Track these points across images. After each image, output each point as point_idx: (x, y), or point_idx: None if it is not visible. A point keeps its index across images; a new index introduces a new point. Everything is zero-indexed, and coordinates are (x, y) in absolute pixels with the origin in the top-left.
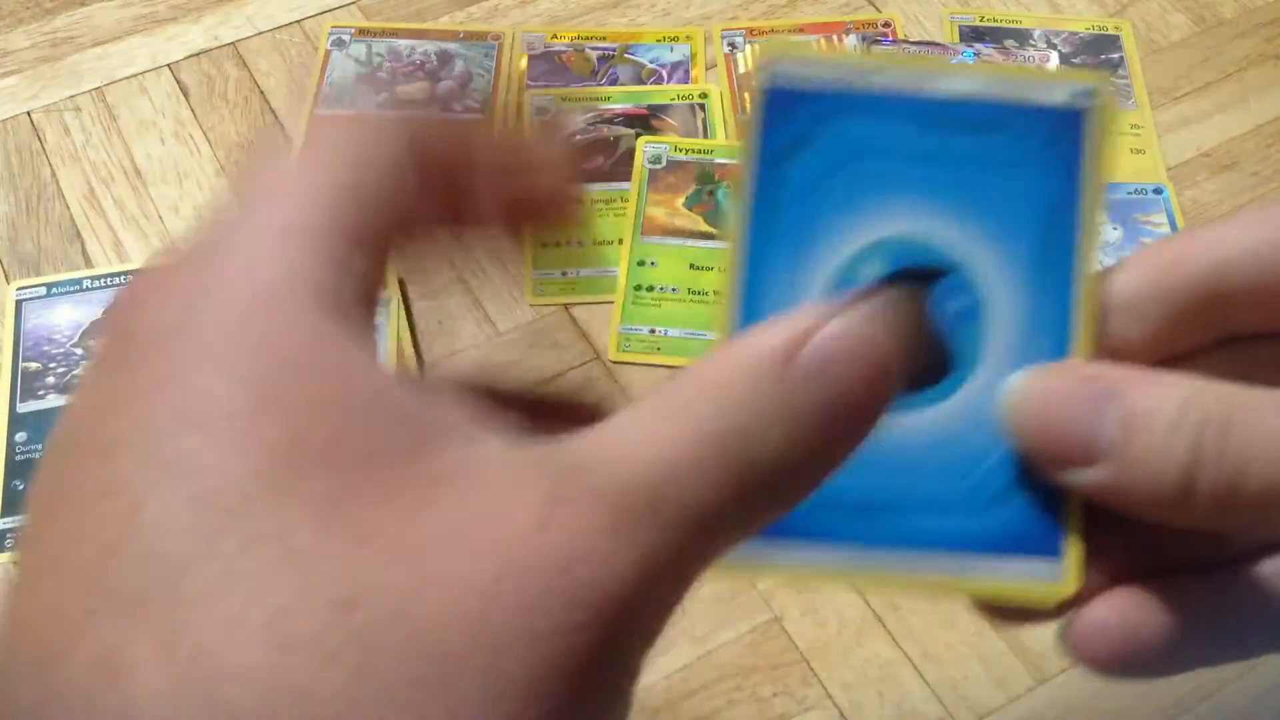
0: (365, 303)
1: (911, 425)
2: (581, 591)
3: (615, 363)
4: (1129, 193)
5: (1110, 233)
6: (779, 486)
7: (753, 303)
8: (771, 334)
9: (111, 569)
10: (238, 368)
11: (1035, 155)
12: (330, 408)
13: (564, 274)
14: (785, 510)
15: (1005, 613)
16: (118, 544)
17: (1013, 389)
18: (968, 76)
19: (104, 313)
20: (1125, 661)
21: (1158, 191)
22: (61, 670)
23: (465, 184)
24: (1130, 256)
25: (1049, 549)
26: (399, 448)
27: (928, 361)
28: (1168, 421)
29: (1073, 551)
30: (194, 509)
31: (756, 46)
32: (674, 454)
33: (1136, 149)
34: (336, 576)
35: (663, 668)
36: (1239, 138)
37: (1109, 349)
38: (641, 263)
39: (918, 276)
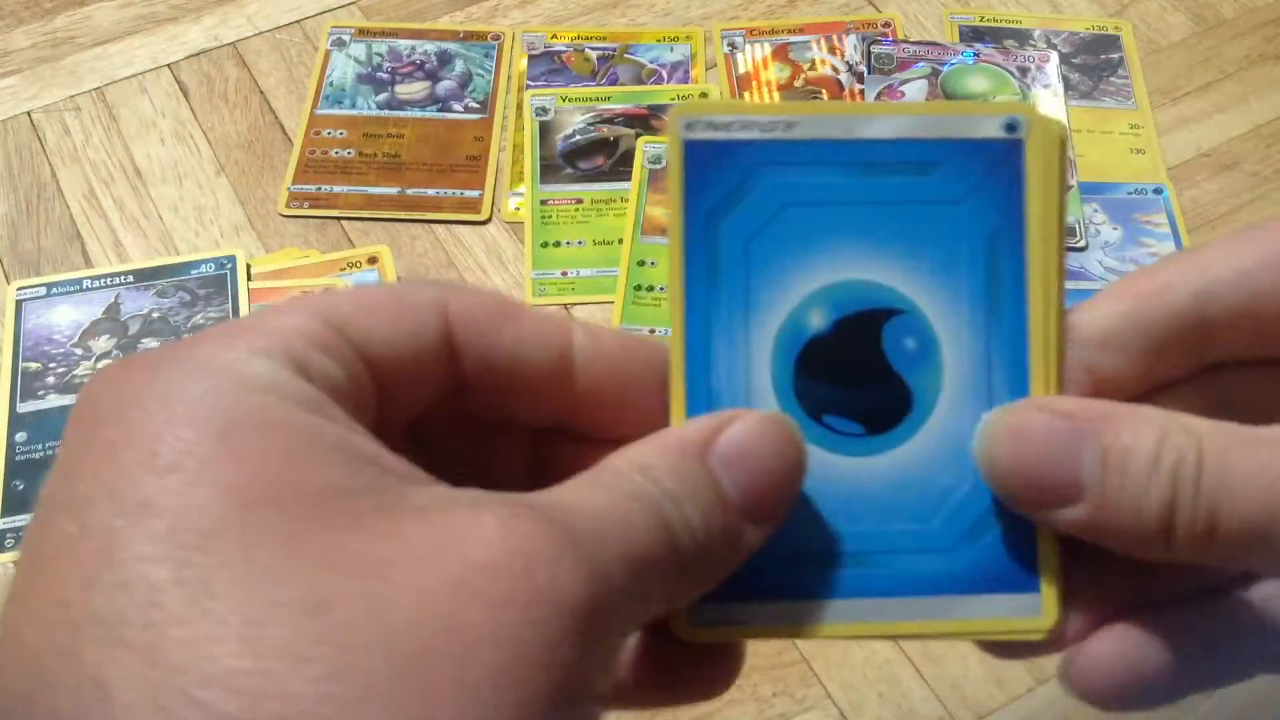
0: (345, 395)
1: (874, 470)
2: (542, 591)
3: None
4: (1129, 193)
5: (1110, 233)
6: (705, 555)
7: (700, 370)
8: (697, 424)
9: (91, 600)
10: (196, 422)
11: (971, 191)
12: (288, 455)
13: (564, 274)
14: (719, 573)
15: (995, 647)
16: (94, 578)
17: (986, 428)
18: (894, 118)
19: (79, 393)
20: (1129, 695)
21: (1158, 191)
22: (51, 696)
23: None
24: (1110, 287)
25: (1024, 584)
26: (361, 488)
27: (885, 403)
28: (1145, 460)
29: (1049, 584)
30: (161, 543)
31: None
32: (609, 508)
33: (1136, 149)
34: (306, 586)
35: None
36: (1239, 138)
37: (1092, 382)
38: (641, 263)
39: (866, 320)
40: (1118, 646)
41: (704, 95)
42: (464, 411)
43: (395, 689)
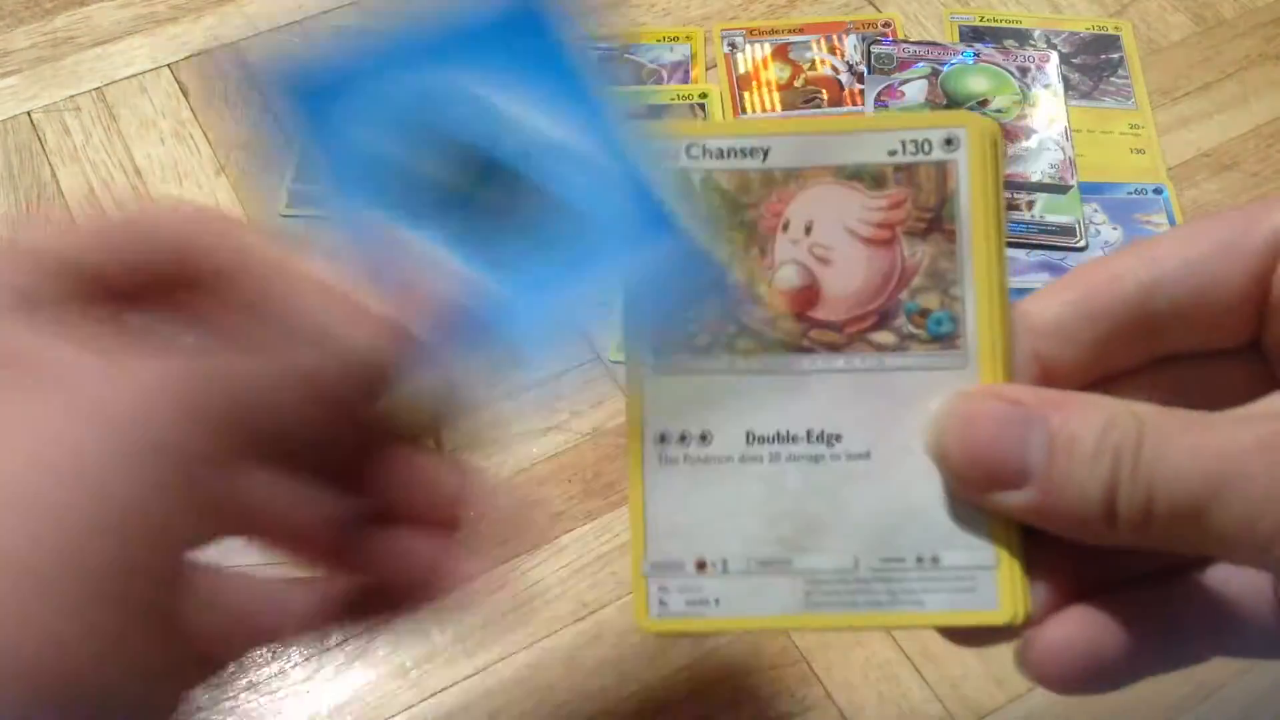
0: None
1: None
2: (131, 435)
3: (615, 362)
4: (1129, 193)
5: (1110, 233)
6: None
7: None
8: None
9: None
10: None
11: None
12: None
13: None
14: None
15: (963, 635)
16: None
17: (938, 413)
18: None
19: None
20: (1086, 679)
21: (1158, 191)
22: None
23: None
24: (1061, 278)
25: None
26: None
27: None
28: (1090, 446)
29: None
30: None
31: None
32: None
33: (1136, 149)
34: None
35: (662, 667)
36: (1239, 138)
37: (1041, 370)
38: None
39: None
40: (1076, 629)
41: (704, 95)
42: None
43: None
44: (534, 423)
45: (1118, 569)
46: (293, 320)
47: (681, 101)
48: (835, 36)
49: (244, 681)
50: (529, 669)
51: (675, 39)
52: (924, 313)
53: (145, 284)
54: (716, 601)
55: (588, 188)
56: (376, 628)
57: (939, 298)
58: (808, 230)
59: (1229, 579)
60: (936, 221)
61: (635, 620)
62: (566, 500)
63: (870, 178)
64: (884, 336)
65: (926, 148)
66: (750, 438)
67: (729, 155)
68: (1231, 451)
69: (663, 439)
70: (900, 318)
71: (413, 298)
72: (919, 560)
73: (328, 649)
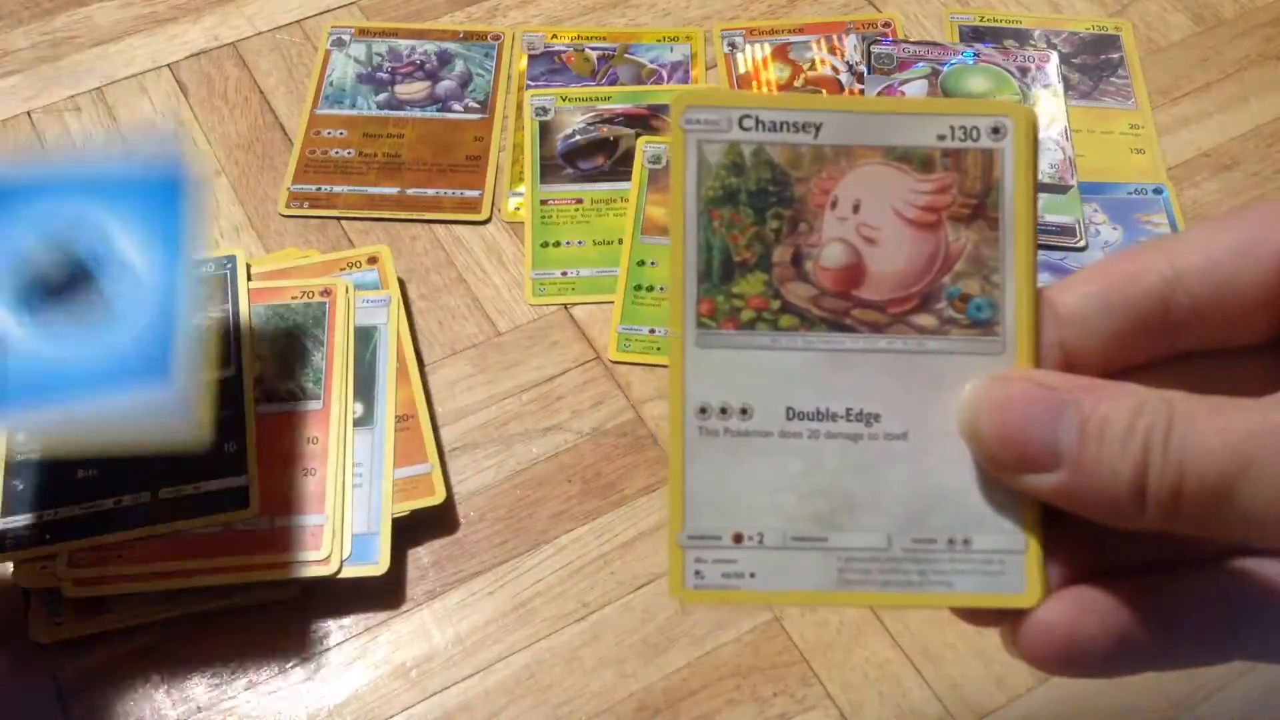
0: None
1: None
2: None
3: (615, 362)
4: (1129, 193)
5: (1110, 233)
6: None
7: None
8: None
9: None
10: None
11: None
12: None
13: (564, 274)
14: None
15: (977, 616)
16: None
17: (970, 395)
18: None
19: None
20: (1067, 660)
21: (1158, 191)
22: None
23: None
24: (1084, 269)
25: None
26: None
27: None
28: (1121, 428)
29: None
30: None
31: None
32: None
33: (1136, 149)
34: None
35: (662, 667)
36: (1239, 138)
37: (1064, 359)
38: (641, 263)
39: None
40: (1063, 610)
41: None
42: None
43: None
44: (534, 423)
45: (1132, 557)
46: None
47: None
48: (835, 36)
49: (244, 681)
50: (529, 669)
51: (675, 39)
52: (965, 298)
53: None
54: (751, 575)
55: (132, 305)
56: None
57: (980, 284)
58: (855, 209)
59: (1255, 571)
60: (981, 208)
61: (670, 590)
62: (566, 500)
63: (918, 160)
64: (925, 319)
65: (975, 134)
66: (790, 414)
67: (781, 129)
68: (1261, 430)
69: (703, 412)
70: (942, 301)
71: None
72: (950, 542)
73: (327, 649)
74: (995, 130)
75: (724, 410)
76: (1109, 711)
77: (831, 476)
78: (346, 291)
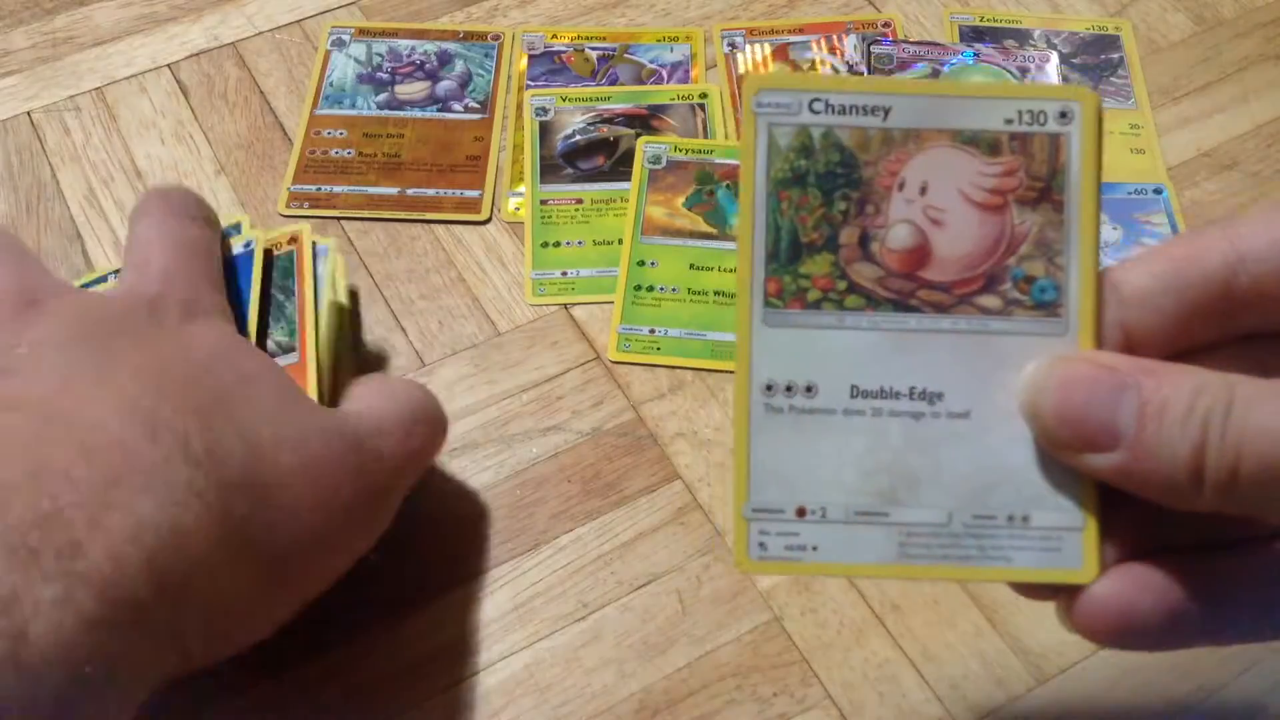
0: None
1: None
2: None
3: (615, 363)
4: (1129, 193)
5: (1110, 233)
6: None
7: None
8: None
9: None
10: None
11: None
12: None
13: (564, 274)
14: None
15: (1034, 590)
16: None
17: (1033, 375)
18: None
19: None
20: (1120, 634)
21: (1158, 191)
22: None
23: None
24: (1146, 250)
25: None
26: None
27: None
28: (1180, 411)
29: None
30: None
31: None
32: None
33: (1136, 149)
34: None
35: (662, 667)
36: (1239, 138)
37: (1124, 339)
38: (641, 263)
39: None
40: (1119, 585)
41: (704, 95)
42: None
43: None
44: (534, 423)
45: (1185, 536)
46: None
47: (682, 101)
48: (835, 36)
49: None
50: (529, 669)
51: (675, 39)
52: (1029, 280)
53: None
54: (815, 548)
55: None
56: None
57: (1044, 266)
58: (923, 191)
59: None
60: (1047, 192)
61: (735, 562)
62: (566, 500)
63: (986, 144)
64: (990, 300)
65: (1042, 119)
66: (855, 392)
67: (851, 112)
68: None
69: (769, 389)
70: (1006, 283)
71: None
72: (1010, 519)
73: (327, 650)
74: (1063, 115)
75: (789, 388)
76: (1109, 711)
77: (894, 453)
78: (308, 237)
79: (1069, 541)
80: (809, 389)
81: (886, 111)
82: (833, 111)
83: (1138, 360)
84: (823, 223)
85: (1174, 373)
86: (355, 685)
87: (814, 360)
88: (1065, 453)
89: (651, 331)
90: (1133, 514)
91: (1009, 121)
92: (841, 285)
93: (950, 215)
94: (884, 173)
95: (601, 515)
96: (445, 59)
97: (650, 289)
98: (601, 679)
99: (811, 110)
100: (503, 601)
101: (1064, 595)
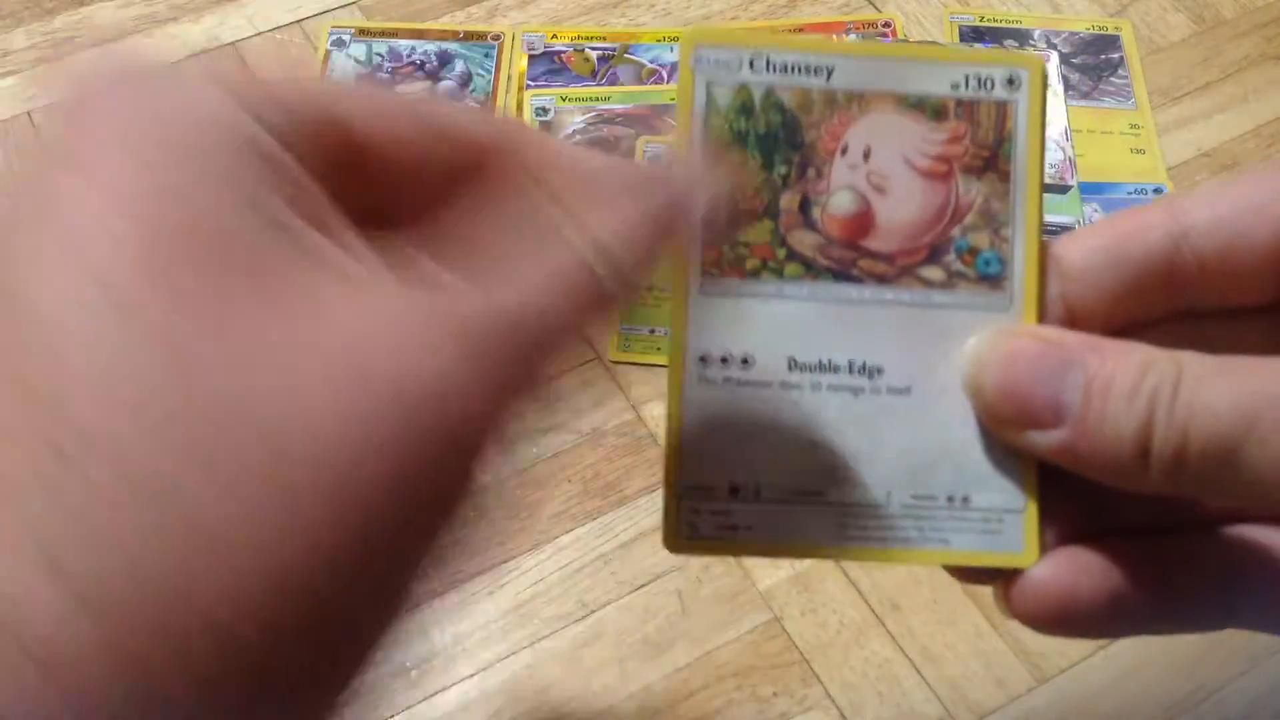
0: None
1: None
2: (424, 401)
3: (615, 362)
4: (1129, 193)
5: None
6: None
7: None
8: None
9: (4, 361)
10: (142, 156)
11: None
12: (225, 211)
13: None
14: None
15: (973, 575)
16: (11, 339)
17: (976, 349)
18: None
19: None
20: (1060, 619)
21: (1158, 191)
22: None
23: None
24: (1090, 225)
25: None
26: (282, 259)
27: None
28: (1126, 388)
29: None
30: (82, 300)
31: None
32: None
33: (1136, 149)
34: (202, 370)
35: (663, 667)
36: (1239, 138)
37: (1066, 313)
38: None
39: None
40: (1057, 569)
41: None
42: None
43: (255, 486)
44: (534, 423)
45: (1130, 519)
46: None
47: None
48: (835, 36)
49: None
50: (529, 669)
51: (675, 39)
52: (974, 251)
53: (409, 171)
54: (748, 528)
55: None
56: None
57: (989, 237)
58: (866, 156)
59: (1254, 539)
60: (993, 160)
61: (663, 541)
62: (566, 500)
63: (931, 109)
64: (933, 272)
65: (989, 85)
66: (792, 364)
67: (793, 71)
68: (1269, 389)
69: (703, 361)
70: (950, 254)
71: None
72: (950, 499)
73: None
74: (1010, 81)
75: (724, 359)
76: (1109, 711)
77: (832, 430)
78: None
79: (1009, 523)
80: (745, 361)
81: (830, 72)
82: (774, 70)
83: (1084, 336)
84: (763, 188)
85: (1121, 349)
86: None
87: (751, 331)
88: (1007, 430)
89: (651, 331)
90: (1077, 496)
91: (955, 86)
92: (781, 253)
93: (894, 182)
94: (826, 136)
95: (601, 515)
96: (445, 59)
97: (650, 289)
98: (601, 679)
99: (752, 68)
100: (503, 601)
101: (999, 580)
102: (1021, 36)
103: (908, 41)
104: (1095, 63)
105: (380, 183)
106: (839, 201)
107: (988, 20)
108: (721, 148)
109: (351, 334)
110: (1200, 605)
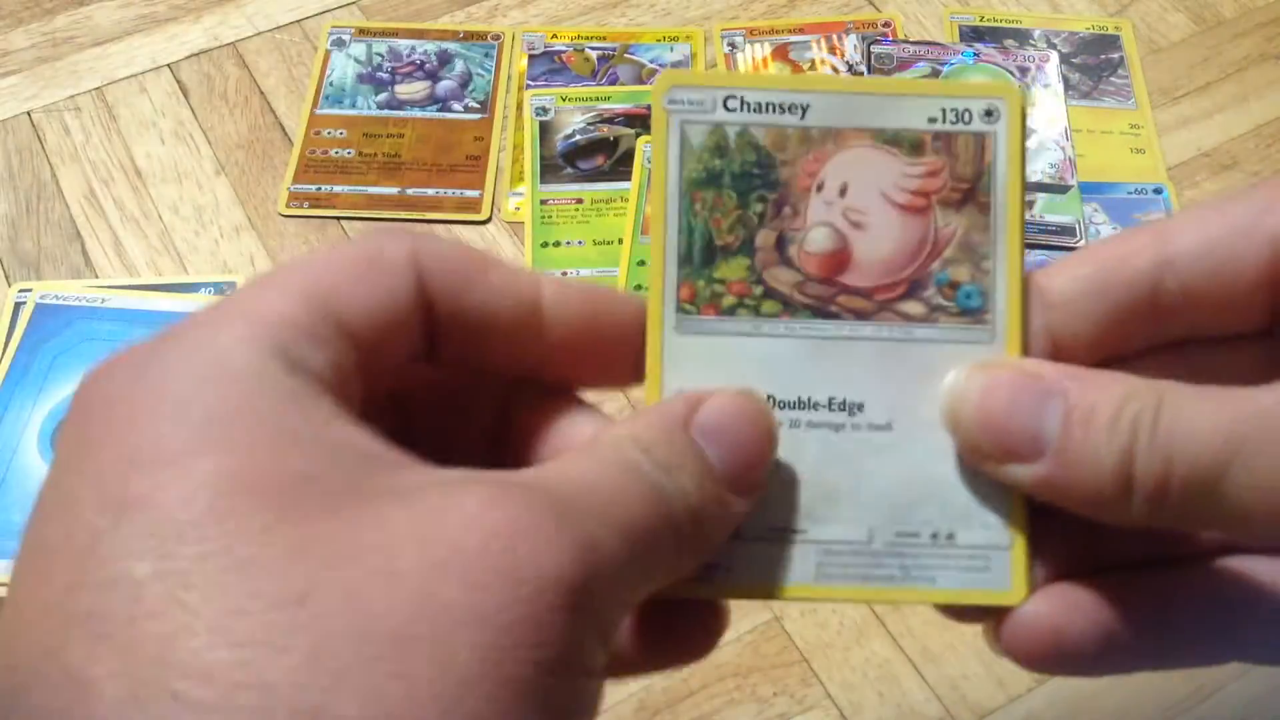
0: (329, 384)
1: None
2: (525, 568)
3: None
4: (1129, 193)
5: (1110, 233)
6: (698, 523)
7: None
8: (678, 400)
9: (76, 600)
10: (180, 418)
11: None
12: (269, 447)
13: (564, 274)
14: (712, 543)
15: (962, 613)
16: (79, 579)
17: (954, 382)
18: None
19: (73, 393)
20: (1051, 659)
21: (1158, 191)
22: (34, 695)
23: (477, 324)
24: (1074, 254)
25: (997, 558)
26: (341, 475)
27: None
28: (1107, 417)
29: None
30: (145, 539)
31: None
32: (602, 479)
33: (1136, 149)
34: (284, 577)
35: None
36: (1239, 138)
37: (1051, 345)
38: (642, 263)
39: None
40: (1047, 607)
41: None
42: (436, 372)
43: (371, 674)
44: None
45: (1121, 554)
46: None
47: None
48: (835, 36)
49: None
50: None
51: (675, 39)
52: (954, 285)
53: (387, 340)
54: (728, 569)
55: None
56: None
57: (970, 270)
58: (842, 193)
59: (1247, 572)
60: (972, 193)
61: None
62: None
63: (908, 144)
64: (913, 307)
65: (966, 117)
66: (771, 402)
67: (767, 110)
68: (1250, 413)
69: None
70: (930, 289)
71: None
72: (934, 536)
73: None
74: (988, 113)
75: None
76: (1109, 711)
77: (813, 467)
78: None
79: (996, 561)
80: None
81: (804, 109)
82: (748, 109)
83: (1063, 366)
84: (738, 225)
85: (1101, 379)
86: None
87: (728, 369)
88: (988, 463)
89: None
90: (1069, 531)
91: (932, 120)
92: (757, 291)
93: (871, 218)
94: (802, 173)
95: None
96: (445, 59)
97: None
98: None
99: (726, 108)
100: None
101: (992, 618)
102: (1021, 36)
103: (885, 77)
104: (1095, 63)
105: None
106: (815, 238)
107: (988, 20)
108: (696, 188)
109: (429, 518)
110: (1196, 640)
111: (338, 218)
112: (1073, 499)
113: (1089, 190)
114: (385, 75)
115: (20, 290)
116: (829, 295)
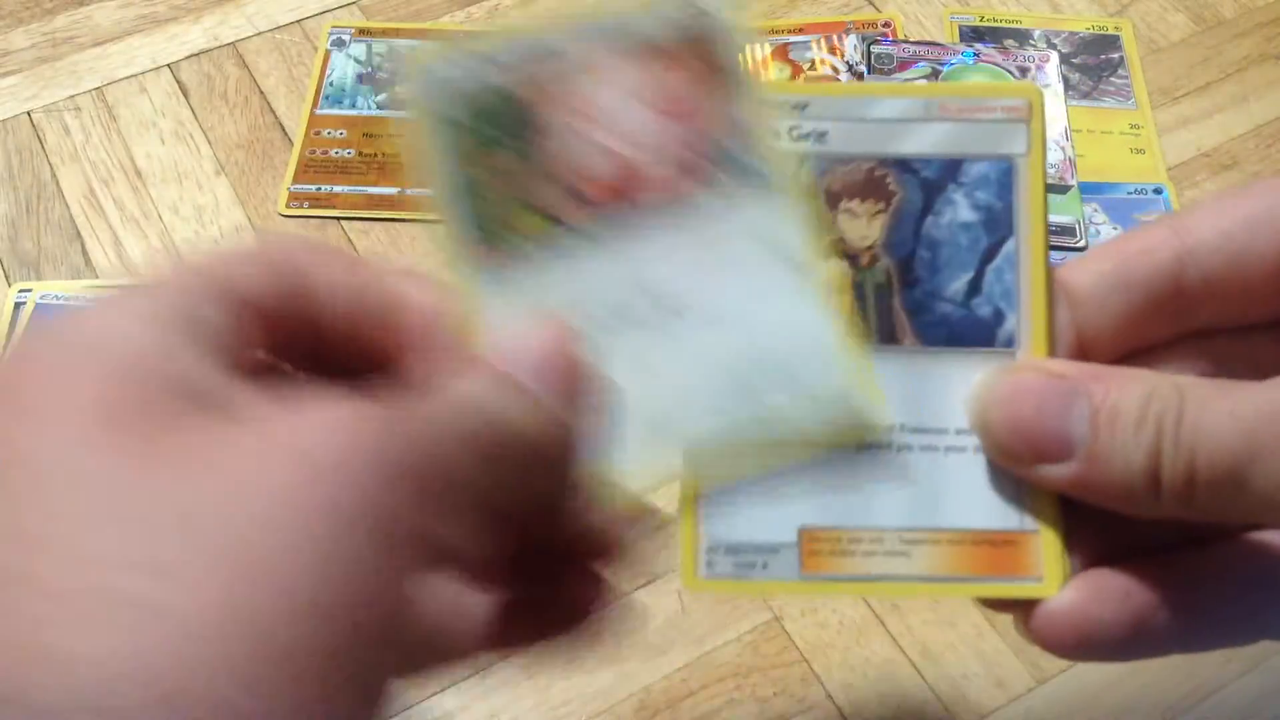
0: (216, 338)
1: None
2: (341, 494)
3: None
4: (1129, 193)
5: (1110, 233)
6: (534, 450)
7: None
8: (496, 345)
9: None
10: (77, 406)
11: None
12: (141, 384)
13: None
14: (558, 472)
15: (998, 605)
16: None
17: (980, 386)
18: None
19: None
20: (1082, 647)
21: (1158, 191)
22: None
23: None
24: (1096, 248)
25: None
26: (191, 420)
27: None
28: (1133, 416)
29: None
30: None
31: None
32: (436, 411)
33: (1136, 149)
34: (146, 495)
35: (663, 667)
36: (1239, 138)
37: (1076, 340)
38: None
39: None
40: (1077, 595)
41: None
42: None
43: (213, 578)
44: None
45: (1150, 537)
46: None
47: None
48: (835, 36)
49: None
50: (529, 669)
51: None
52: (732, 158)
53: (293, 324)
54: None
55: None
56: (532, 652)
57: (740, 137)
58: (605, 117)
59: (1275, 549)
60: (719, 75)
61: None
62: None
63: (648, 50)
64: (696, 188)
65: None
66: (594, 321)
67: (516, 65)
68: (1271, 410)
69: None
70: (707, 167)
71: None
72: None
73: None
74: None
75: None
76: (1109, 711)
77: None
78: None
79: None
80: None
81: (552, 54)
82: (498, 68)
83: (1085, 365)
84: (517, 178)
85: (1123, 377)
86: None
87: (545, 305)
88: (1019, 465)
89: None
90: (1098, 519)
91: (669, 24)
92: (556, 230)
93: (640, 128)
94: (564, 111)
95: None
96: None
97: None
98: (601, 679)
99: (476, 74)
100: None
101: (1022, 608)
102: (1021, 36)
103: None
104: (1095, 63)
105: (329, 343)
106: (591, 163)
107: (988, 20)
108: (467, 157)
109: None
110: (1225, 620)
111: (338, 218)
112: (1104, 496)
113: (1089, 190)
114: (385, 75)
115: (20, 290)
116: (622, 208)
